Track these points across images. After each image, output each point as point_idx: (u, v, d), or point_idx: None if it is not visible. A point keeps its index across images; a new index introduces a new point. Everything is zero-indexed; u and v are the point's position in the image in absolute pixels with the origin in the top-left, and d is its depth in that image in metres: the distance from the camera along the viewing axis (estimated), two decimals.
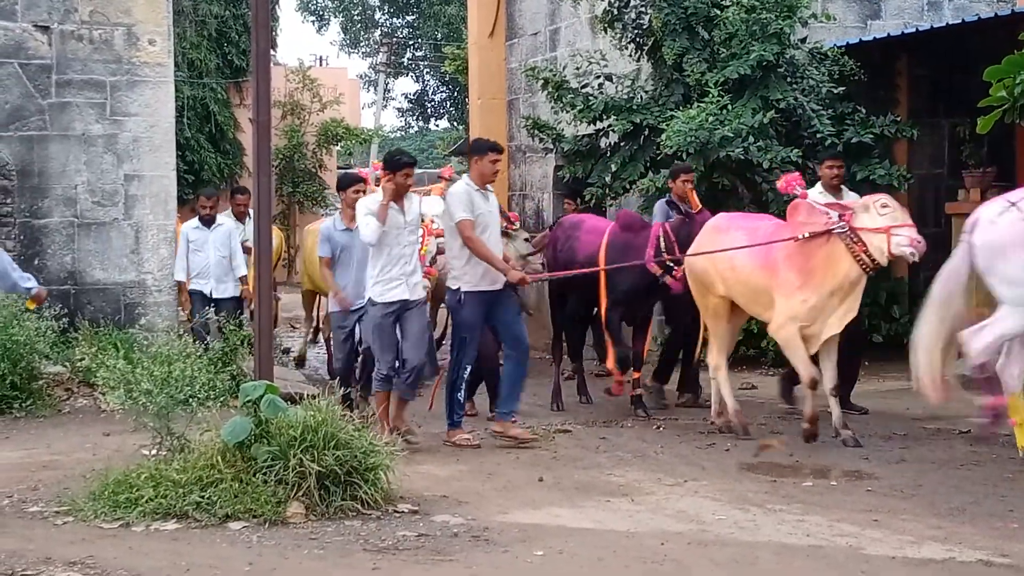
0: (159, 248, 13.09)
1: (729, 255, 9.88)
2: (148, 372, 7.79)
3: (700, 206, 11.08)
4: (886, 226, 9.22)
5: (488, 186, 9.93)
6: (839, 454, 9.22)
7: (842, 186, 11.06)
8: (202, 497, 7.21)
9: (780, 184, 10.26)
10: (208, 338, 11.36)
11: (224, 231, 12.94)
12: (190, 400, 7.75)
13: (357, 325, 10.55)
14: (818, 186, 10.77)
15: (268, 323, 8.45)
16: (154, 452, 7.89)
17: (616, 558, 6.60)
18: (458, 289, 9.77)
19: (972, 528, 7.10)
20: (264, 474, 7.28)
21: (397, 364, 9.71)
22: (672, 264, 10.67)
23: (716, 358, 10.35)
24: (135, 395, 7.74)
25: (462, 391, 9.96)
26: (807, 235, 9.44)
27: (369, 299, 9.77)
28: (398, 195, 9.62)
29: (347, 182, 11.07)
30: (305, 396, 8.07)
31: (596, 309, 11.83)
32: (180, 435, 7.77)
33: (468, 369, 9.90)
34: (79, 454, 8.90)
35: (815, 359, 9.59)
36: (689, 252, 10.34)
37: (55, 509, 7.51)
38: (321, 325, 15.20)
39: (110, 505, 7.29)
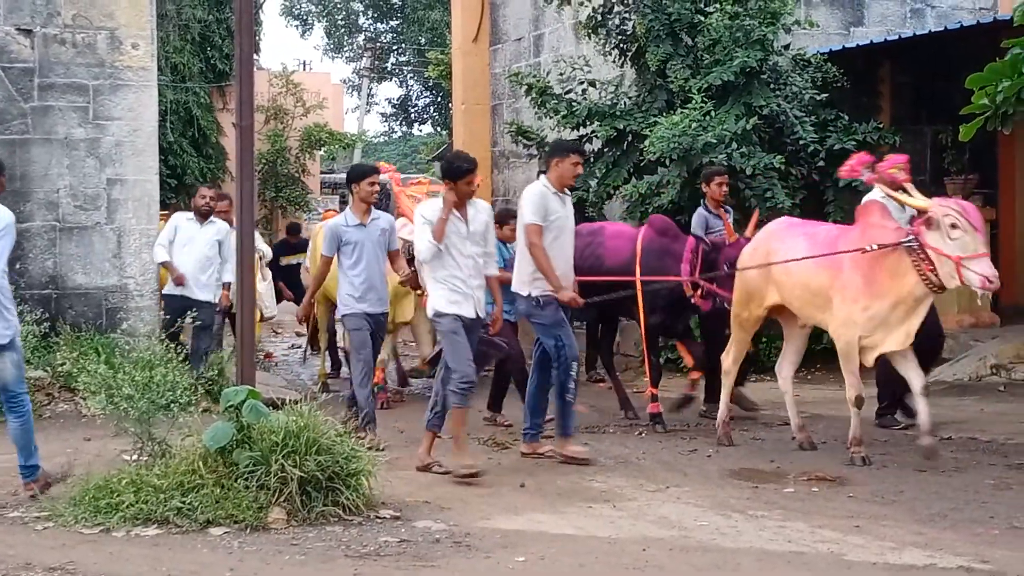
0: (141, 252, 13.03)
1: (786, 257, 9.46)
2: (129, 377, 7.78)
3: (736, 236, 10.60)
4: (957, 256, 8.54)
5: (566, 189, 9.53)
6: (821, 460, 9.23)
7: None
8: (183, 503, 7.20)
9: (843, 169, 9.56)
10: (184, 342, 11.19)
11: (214, 230, 12.33)
12: (171, 405, 7.73)
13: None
14: (876, 190, 10.07)
15: (250, 329, 8.43)
16: (135, 457, 7.88)
17: (598, 564, 6.60)
18: (529, 295, 9.30)
19: (953, 534, 7.11)
20: (245, 480, 7.27)
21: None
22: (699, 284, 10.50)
23: (730, 364, 10.11)
24: (116, 400, 7.73)
25: (572, 393, 9.34)
26: (875, 247, 8.88)
27: (436, 311, 8.93)
28: (460, 203, 8.90)
29: (361, 173, 10.26)
30: (287, 401, 8.05)
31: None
32: (161, 440, 7.76)
33: (575, 368, 9.33)
34: (60, 459, 8.86)
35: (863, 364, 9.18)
36: (750, 258, 9.89)
37: (35, 514, 7.50)
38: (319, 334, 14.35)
39: (90, 510, 7.28)
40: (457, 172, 8.89)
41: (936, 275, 8.70)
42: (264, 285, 14.50)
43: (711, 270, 10.46)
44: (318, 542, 6.95)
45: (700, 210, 11.25)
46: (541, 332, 9.40)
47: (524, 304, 9.39)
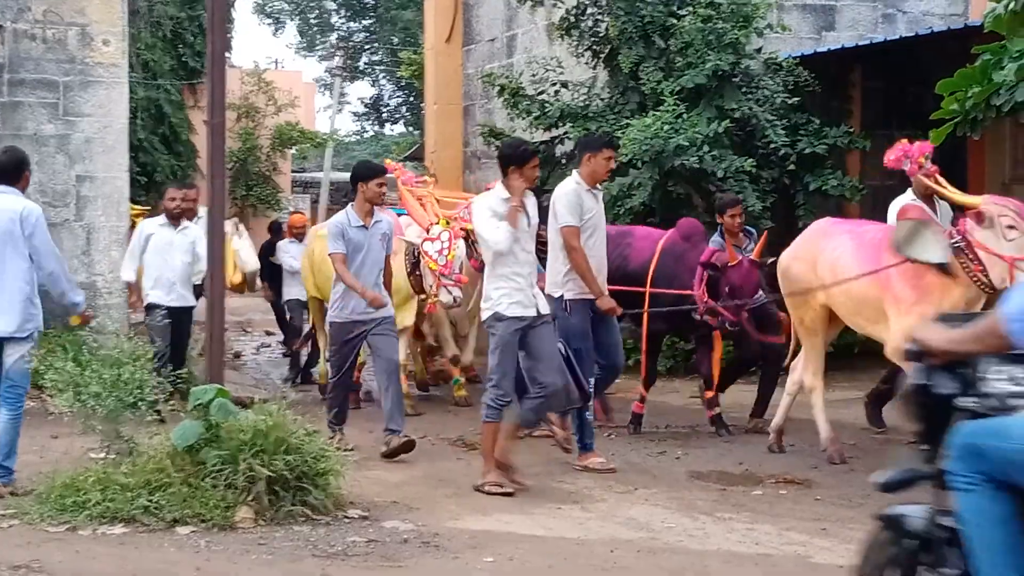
0: (110, 250, 12.96)
1: (833, 259, 9.06)
2: (97, 375, 7.74)
3: (738, 258, 10.11)
4: (1011, 256, 8.15)
5: (598, 184, 9.18)
6: (789, 463, 9.26)
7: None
8: (150, 501, 7.16)
9: (888, 158, 9.23)
10: (162, 343, 10.83)
11: (191, 235, 11.52)
12: (139, 403, 7.70)
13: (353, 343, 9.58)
14: (908, 192, 9.89)
15: (220, 326, 8.40)
16: (102, 455, 7.84)
17: (566, 565, 6.61)
18: (561, 297, 8.89)
19: None
20: (213, 478, 7.24)
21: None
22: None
23: (811, 379, 9.47)
24: (84, 398, 7.69)
25: (590, 408, 9.10)
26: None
27: (494, 314, 8.35)
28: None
29: (369, 173, 9.77)
30: (256, 400, 8.03)
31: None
32: (129, 438, 7.72)
33: (592, 382, 9.00)
34: (26, 457, 8.80)
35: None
36: (792, 257, 9.55)
37: (1, 512, 7.44)
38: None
39: (57, 508, 7.24)
40: (523, 156, 8.40)
41: (987, 275, 8.36)
42: (241, 242, 14.03)
43: (712, 291, 10.16)
44: (286, 541, 6.93)
45: (715, 237, 10.87)
46: (567, 339, 8.84)
47: (556, 305, 8.89)
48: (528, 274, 8.40)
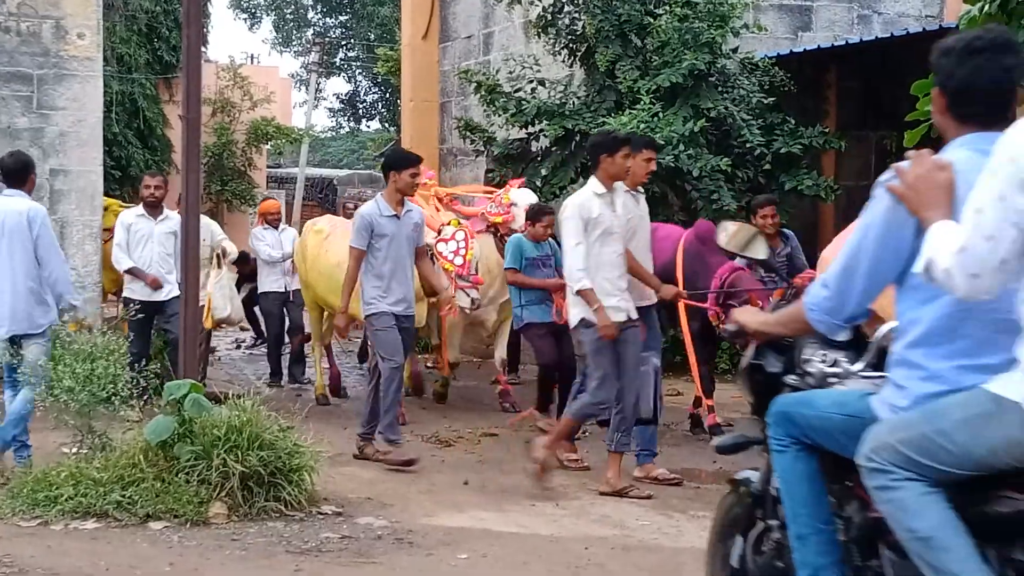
0: (84, 244, 12.90)
1: None
2: (70, 369, 7.71)
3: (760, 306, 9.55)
4: None
5: (639, 187, 8.79)
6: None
7: None
8: (123, 496, 7.14)
9: None
10: (136, 339, 10.52)
11: (170, 225, 11.08)
12: (112, 398, 7.67)
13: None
14: None
15: (194, 321, 8.37)
16: (75, 450, 7.81)
17: (540, 562, 6.61)
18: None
19: None
20: (187, 474, 7.23)
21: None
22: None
23: None
24: (56, 392, 7.66)
25: (658, 421, 8.82)
26: None
27: (582, 320, 8.09)
28: (609, 186, 8.16)
29: (403, 162, 9.16)
30: (230, 396, 8.00)
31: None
32: (102, 433, 7.70)
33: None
34: None
35: None
36: (827, 255, 9.26)
37: None
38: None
39: (29, 503, 7.21)
40: (613, 144, 8.14)
41: None
42: (216, 285, 12.64)
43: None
44: (259, 537, 6.91)
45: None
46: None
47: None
48: (618, 277, 8.12)
